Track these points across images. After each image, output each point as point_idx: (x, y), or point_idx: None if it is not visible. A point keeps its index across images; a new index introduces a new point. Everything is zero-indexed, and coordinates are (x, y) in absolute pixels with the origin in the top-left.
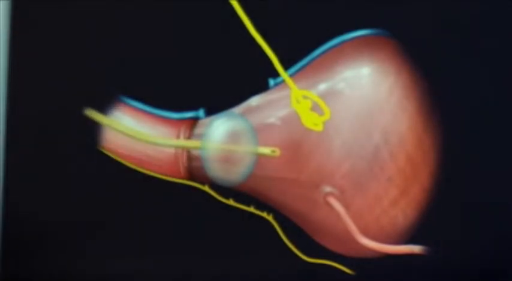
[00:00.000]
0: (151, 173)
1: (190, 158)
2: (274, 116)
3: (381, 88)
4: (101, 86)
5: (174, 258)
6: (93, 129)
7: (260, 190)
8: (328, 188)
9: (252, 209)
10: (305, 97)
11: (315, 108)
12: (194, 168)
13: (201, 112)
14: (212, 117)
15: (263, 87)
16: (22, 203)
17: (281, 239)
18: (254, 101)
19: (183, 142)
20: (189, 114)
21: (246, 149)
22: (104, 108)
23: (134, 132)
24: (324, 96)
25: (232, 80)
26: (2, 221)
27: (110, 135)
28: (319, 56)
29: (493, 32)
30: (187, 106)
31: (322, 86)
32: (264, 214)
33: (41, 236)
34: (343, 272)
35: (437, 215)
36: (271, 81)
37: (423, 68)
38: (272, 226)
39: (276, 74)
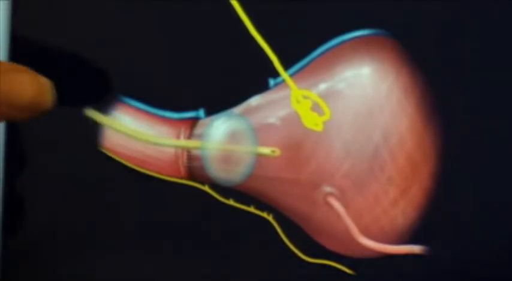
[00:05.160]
0: (151, 173)
1: (191, 158)
2: (274, 116)
3: (381, 88)
4: (100, 86)
5: (173, 258)
6: (93, 129)
7: (260, 190)
8: (328, 188)
9: (252, 209)
10: (305, 97)
11: (315, 108)
12: (194, 168)
13: (201, 112)
14: (212, 117)
15: (263, 87)
16: (22, 203)
17: (281, 239)
18: (254, 101)
19: (183, 142)
20: (189, 114)
21: (246, 149)
22: (103, 108)
23: (134, 132)
24: (324, 96)
25: (232, 80)
26: (1, 220)
27: (109, 135)
28: (319, 56)
29: (494, 32)
30: (187, 106)
31: (322, 86)
32: (264, 214)
33: (40, 236)
34: (343, 272)
35: (437, 215)
36: (271, 81)
37: (423, 68)
38: (272, 226)
39: (276, 74)
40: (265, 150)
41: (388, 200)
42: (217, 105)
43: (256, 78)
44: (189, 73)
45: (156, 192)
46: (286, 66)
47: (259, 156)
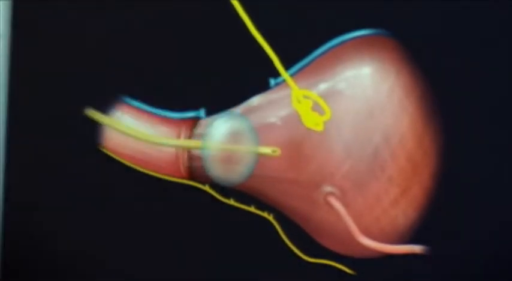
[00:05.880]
0: (152, 173)
1: (191, 158)
2: (275, 115)
3: (382, 88)
4: (101, 86)
5: (173, 257)
6: (94, 129)
7: (261, 189)
8: (328, 188)
9: (252, 209)
10: (306, 97)
11: (316, 108)
12: (195, 168)
13: (201, 112)
14: (213, 117)
15: (264, 87)
16: (22, 203)
17: (281, 239)
18: (255, 100)
19: (183, 142)
20: (190, 114)
21: (247, 149)
22: (104, 108)
23: (135, 132)
24: (324, 96)
25: (233, 80)
26: (2, 220)
27: (110, 135)
28: (319, 55)
29: (494, 31)
30: (188, 106)
31: (323, 86)
32: (265, 214)
33: (40, 236)
34: (344, 272)
35: (437, 215)
36: (272, 81)
37: (424, 68)
38: (273, 226)
39: (276, 74)
40: (266, 150)
41: (389, 200)
42: (218, 105)
43: (257, 78)
44: (190, 73)
45: (156, 192)
46: (287, 66)
47: (260, 156)
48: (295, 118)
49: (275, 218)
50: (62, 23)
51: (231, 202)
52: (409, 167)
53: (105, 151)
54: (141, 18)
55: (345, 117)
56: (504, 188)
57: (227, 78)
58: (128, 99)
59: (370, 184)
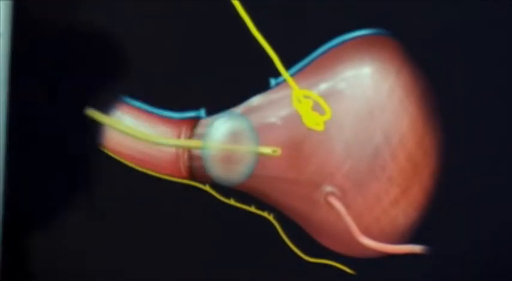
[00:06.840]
0: (152, 173)
1: (191, 157)
2: (275, 115)
3: (382, 88)
4: (102, 86)
5: (174, 257)
6: (94, 129)
7: (261, 189)
8: (329, 188)
9: (252, 209)
10: (306, 97)
11: (316, 107)
12: (195, 168)
13: (202, 112)
14: (213, 117)
15: (264, 87)
16: (22, 202)
17: (282, 239)
18: (255, 100)
19: (184, 142)
20: (190, 114)
21: (247, 149)
22: (105, 108)
23: (135, 132)
24: (325, 95)
25: (234, 80)
26: (2, 220)
27: (110, 135)
28: (320, 55)
29: (494, 31)
30: (189, 106)
31: (323, 86)
32: (265, 214)
33: (40, 235)
34: (344, 272)
35: (437, 215)
36: (273, 81)
37: (424, 68)
38: (273, 226)
39: (277, 74)
40: (266, 150)
41: (389, 200)
42: (218, 104)
43: (258, 78)
44: (190, 73)
45: (157, 192)
46: (288, 66)
47: (260, 156)
48: (295, 118)
49: (275, 218)
50: (62, 23)
51: (231, 202)
52: (409, 167)
53: (105, 150)
54: (141, 18)
55: (345, 117)
56: (504, 188)
57: (227, 78)
58: (128, 99)
59: (370, 184)
